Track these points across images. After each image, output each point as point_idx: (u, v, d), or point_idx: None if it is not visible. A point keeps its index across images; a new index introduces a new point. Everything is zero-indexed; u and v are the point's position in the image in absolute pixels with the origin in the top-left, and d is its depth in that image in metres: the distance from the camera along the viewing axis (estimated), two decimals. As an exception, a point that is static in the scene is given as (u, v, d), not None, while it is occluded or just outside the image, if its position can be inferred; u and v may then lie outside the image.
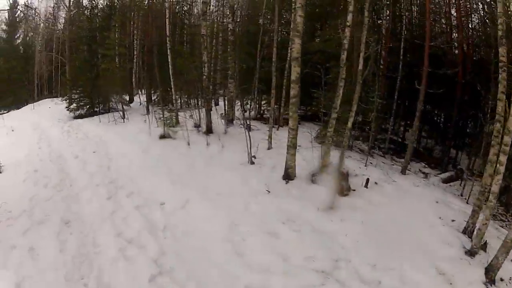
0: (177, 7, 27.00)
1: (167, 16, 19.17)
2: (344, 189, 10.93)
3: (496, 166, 8.34)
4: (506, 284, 8.07)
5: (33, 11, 37.47)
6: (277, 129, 16.88)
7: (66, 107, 24.40)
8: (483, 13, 19.68)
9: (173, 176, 12.10)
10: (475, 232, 9.05)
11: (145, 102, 23.99)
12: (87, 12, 26.28)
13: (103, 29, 23.82)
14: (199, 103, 19.94)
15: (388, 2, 18.81)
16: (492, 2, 17.80)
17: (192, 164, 13.16)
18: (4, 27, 36.06)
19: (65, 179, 12.88)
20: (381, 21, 19.37)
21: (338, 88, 11.70)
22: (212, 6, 25.51)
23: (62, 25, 38.01)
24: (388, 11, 19.02)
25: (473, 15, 20.01)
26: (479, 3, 19.60)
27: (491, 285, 7.87)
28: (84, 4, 30.17)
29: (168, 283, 7.48)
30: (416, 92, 15.37)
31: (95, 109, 24.08)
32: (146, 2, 29.07)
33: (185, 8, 28.09)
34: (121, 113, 21.61)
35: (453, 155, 18.99)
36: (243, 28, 21.25)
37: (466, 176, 15.65)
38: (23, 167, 14.59)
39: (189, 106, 22.38)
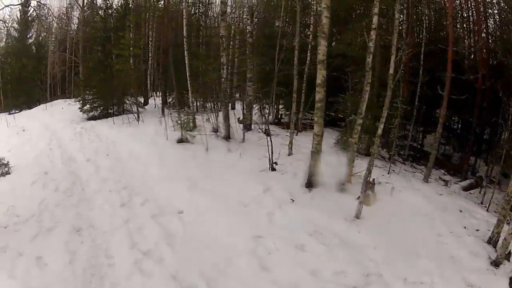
0: (193, 9, 26.39)
1: (184, 17, 18.54)
2: (371, 199, 10.41)
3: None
4: (529, 294, 7.64)
5: (46, 10, 37.27)
6: (296, 134, 16.29)
7: (79, 108, 23.72)
8: (498, 18, 19.41)
9: (191, 183, 11.35)
10: (500, 242, 8.77)
11: (160, 105, 23.49)
12: (101, 12, 25.66)
13: (117, 29, 23.22)
14: (216, 107, 19.42)
15: (407, 5, 18.11)
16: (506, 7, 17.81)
17: (211, 171, 12.41)
18: (16, 25, 35.57)
19: (76, 183, 12.25)
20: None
21: (363, 92, 11.09)
22: (228, 7, 24.82)
23: (76, 25, 37.82)
24: (407, 15, 18.35)
25: (488, 20, 19.61)
26: (495, 7, 19.42)
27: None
28: (98, 4, 29.72)
29: (189, 301, 6.77)
30: (436, 98, 15.29)
31: (109, 111, 23.43)
32: (161, 3, 28.56)
33: (201, 9, 27.45)
34: (135, 115, 20.94)
35: (472, 162, 18.61)
36: (259, 31, 20.57)
37: (485, 183, 15.39)
38: (32, 168, 14.01)
39: (205, 109, 21.82)
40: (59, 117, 24.72)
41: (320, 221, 9.33)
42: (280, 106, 20.73)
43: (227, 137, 15.47)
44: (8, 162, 13.97)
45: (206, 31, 27.20)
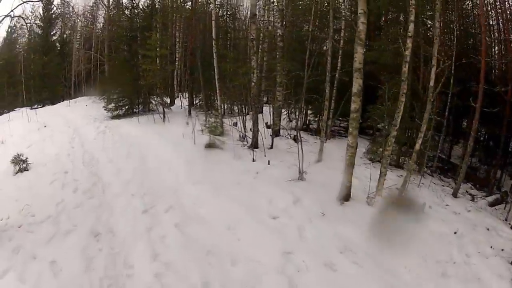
0: (221, 10, 25.98)
1: (213, 18, 18.05)
2: (403, 215, 9.78)
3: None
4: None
5: (71, 8, 37.28)
6: (325, 141, 15.54)
7: (104, 107, 23.35)
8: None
9: (218, 191, 10.71)
10: None
11: (187, 106, 23.00)
12: (127, 11, 25.34)
13: (144, 29, 22.95)
14: (244, 110, 18.98)
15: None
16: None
17: (239, 179, 11.77)
18: (39, 22, 35.33)
19: (97, 185, 11.70)
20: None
21: (399, 103, 10.66)
22: (258, 9, 24.32)
23: (101, 24, 37.74)
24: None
25: None
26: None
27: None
28: (124, 4, 29.52)
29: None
30: (464, 109, 15.32)
31: (134, 110, 23.16)
32: (188, 4, 28.25)
33: (229, 11, 27.02)
34: (161, 115, 20.47)
35: (497, 176, 17.65)
36: (289, 34, 20.02)
37: (510, 199, 14.58)
38: (52, 166, 13.65)
39: (233, 112, 21.36)
40: (82, 114, 24.39)
41: (351, 237, 8.81)
42: (309, 112, 20.21)
43: (256, 144, 14.87)
44: (26, 158, 13.64)
45: (234, 33, 26.83)
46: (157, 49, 20.55)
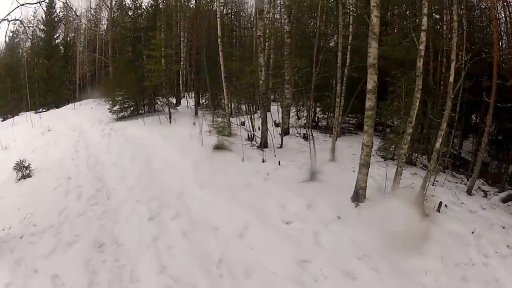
0: (226, 8, 25.53)
1: (218, 16, 17.51)
2: (421, 216, 9.32)
3: None
4: None
5: (73, 12, 36.99)
6: (336, 139, 14.91)
7: (109, 109, 22.96)
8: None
9: (228, 195, 10.18)
10: None
11: (193, 106, 22.52)
12: (131, 12, 24.91)
13: (148, 29, 22.64)
14: (252, 109, 18.54)
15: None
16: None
17: (249, 181, 11.21)
18: (42, 26, 34.98)
19: (102, 191, 11.23)
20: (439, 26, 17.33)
21: (414, 100, 10.14)
22: (265, 5, 23.85)
23: (105, 26, 37.37)
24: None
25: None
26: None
27: None
28: (127, 5, 29.20)
29: None
30: (476, 104, 14.91)
31: (140, 111, 22.77)
32: (192, 3, 27.80)
33: (234, 9, 26.55)
34: (167, 116, 20.04)
35: (510, 171, 17.07)
36: (295, 31, 19.54)
37: None
38: (56, 172, 13.27)
39: (240, 111, 20.95)
40: (87, 117, 24.08)
41: (368, 242, 8.30)
42: (317, 109, 19.63)
43: (265, 144, 14.40)
44: (29, 164, 13.37)
45: (239, 31, 26.40)
46: (162, 49, 20.24)
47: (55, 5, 34.68)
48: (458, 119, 16.66)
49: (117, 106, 22.58)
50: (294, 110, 18.95)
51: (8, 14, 10.42)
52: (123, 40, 25.68)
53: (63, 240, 8.56)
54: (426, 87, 14.10)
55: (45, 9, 33.22)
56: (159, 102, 22.44)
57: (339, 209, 9.49)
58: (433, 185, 12.26)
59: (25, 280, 7.14)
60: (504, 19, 18.04)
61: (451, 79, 9.98)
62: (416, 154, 15.08)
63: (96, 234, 8.68)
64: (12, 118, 27.10)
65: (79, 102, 31.94)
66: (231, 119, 16.55)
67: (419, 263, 7.75)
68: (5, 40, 36.23)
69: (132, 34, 23.84)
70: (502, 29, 17.65)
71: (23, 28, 33.05)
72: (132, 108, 22.72)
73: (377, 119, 16.83)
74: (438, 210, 10.32)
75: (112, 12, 32.83)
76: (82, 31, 38.23)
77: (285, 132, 16.21)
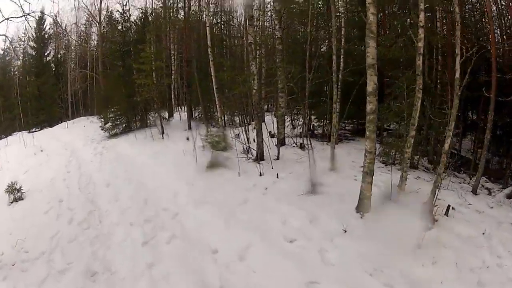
0: (215, 18, 25.07)
1: (207, 25, 17.27)
2: (430, 223, 9.02)
3: None
4: None
5: (63, 29, 36.96)
6: (334, 147, 14.39)
7: (101, 127, 22.56)
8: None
9: (225, 214, 9.59)
10: None
11: (186, 119, 21.72)
12: (120, 26, 24.43)
13: (137, 42, 22.07)
14: (246, 120, 17.93)
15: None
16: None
17: (247, 198, 10.63)
18: (32, 43, 34.81)
19: (94, 213, 10.69)
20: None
21: (415, 100, 9.88)
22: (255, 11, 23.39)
23: (95, 41, 37.06)
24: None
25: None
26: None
27: None
28: (115, 19, 28.78)
29: None
30: (474, 101, 14.62)
31: (132, 128, 22.33)
32: (182, 14, 27.24)
33: (224, 18, 26.07)
34: (159, 128, 19.54)
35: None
36: (287, 37, 19.09)
37: None
38: (47, 194, 12.87)
39: (234, 123, 20.32)
40: (80, 135, 23.81)
41: (378, 255, 7.74)
42: (312, 117, 19.03)
43: (261, 156, 13.86)
44: (21, 187, 13.01)
45: (229, 40, 25.96)
46: (152, 62, 19.76)
47: (44, 21, 34.51)
48: (457, 117, 16.27)
49: (109, 124, 22.18)
50: (288, 119, 18.53)
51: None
52: (113, 55, 25.06)
53: (55, 268, 8.16)
54: (424, 86, 13.75)
55: (31, 24, 33.30)
56: (151, 118, 21.92)
57: (344, 222, 8.93)
58: (437, 188, 11.68)
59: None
60: (496, 11, 17.72)
61: (457, 75, 9.57)
62: (417, 157, 14.67)
63: (88, 261, 8.19)
64: (5, 138, 26.69)
65: (72, 120, 31.76)
66: (225, 132, 16.09)
67: (433, 273, 7.34)
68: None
69: (122, 49, 23.32)
70: (496, 23, 17.33)
71: (14, 46, 33.04)
72: (124, 125, 22.31)
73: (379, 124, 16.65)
74: (447, 214, 9.84)
75: (102, 27, 32.40)
76: (72, 47, 37.94)
77: (281, 143, 15.72)
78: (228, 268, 7.41)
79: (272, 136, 16.65)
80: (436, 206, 9.35)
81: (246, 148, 14.83)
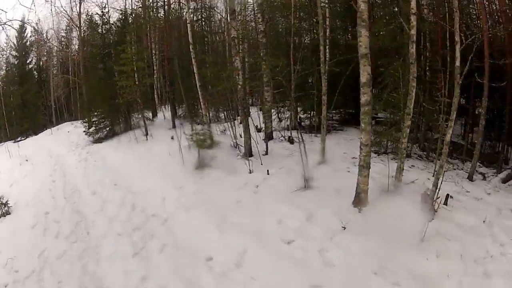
0: (195, 15, 24.54)
1: (188, 22, 16.84)
2: (431, 214, 8.61)
3: None
4: None
5: (44, 35, 36.54)
6: (325, 139, 13.95)
7: (85, 131, 22.11)
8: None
9: (217, 217, 9.06)
10: None
11: (170, 118, 21.28)
12: (99, 28, 23.84)
13: (117, 44, 21.47)
14: (231, 116, 17.75)
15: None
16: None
17: (239, 198, 10.11)
18: (14, 53, 34.41)
19: (81, 225, 10.09)
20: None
21: (410, 89, 9.51)
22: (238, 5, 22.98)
23: (76, 46, 36.42)
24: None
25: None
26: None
27: None
28: (95, 21, 28.24)
29: None
30: (465, 86, 13.23)
31: (116, 131, 21.75)
32: (162, 13, 26.89)
33: (204, 15, 25.52)
34: (143, 129, 19.07)
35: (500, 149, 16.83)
36: (270, 30, 18.66)
37: None
38: (34, 207, 12.26)
39: (219, 119, 19.80)
40: (64, 141, 23.31)
41: (381, 251, 7.37)
42: (299, 109, 18.68)
43: (250, 152, 13.39)
44: (7, 201, 12.38)
45: (211, 37, 25.47)
46: (133, 63, 19.29)
47: (25, 29, 34.30)
48: (448, 103, 16.06)
49: (93, 128, 21.70)
50: (274, 112, 18.23)
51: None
52: (94, 58, 24.56)
53: (45, 288, 7.57)
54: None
55: (10, 33, 32.51)
56: (134, 119, 21.38)
57: (342, 218, 8.53)
58: (433, 176, 11.41)
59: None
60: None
61: (458, 63, 9.19)
62: (410, 145, 14.27)
63: (79, 278, 7.69)
64: (-8, 150, 26.15)
65: (57, 126, 31.28)
66: (210, 129, 15.59)
67: (439, 266, 7.05)
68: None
69: (102, 51, 22.77)
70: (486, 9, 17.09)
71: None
72: (108, 128, 21.78)
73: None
74: (445, 203, 9.58)
75: (82, 31, 31.70)
76: (54, 53, 37.44)
77: (269, 137, 15.37)
78: (225, 277, 6.94)
79: (258, 130, 16.31)
80: (438, 198, 9.07)
81: (234, 144, 14.41)
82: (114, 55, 21.37)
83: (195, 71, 15.85)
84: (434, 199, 8.83)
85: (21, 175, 16.68)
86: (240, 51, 18.15)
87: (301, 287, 6.52)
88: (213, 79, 16.22)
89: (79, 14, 31.21)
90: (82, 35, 31.27)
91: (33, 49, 35.93)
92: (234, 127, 14.86)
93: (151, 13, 27.79)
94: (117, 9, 28.23)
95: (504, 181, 13.37)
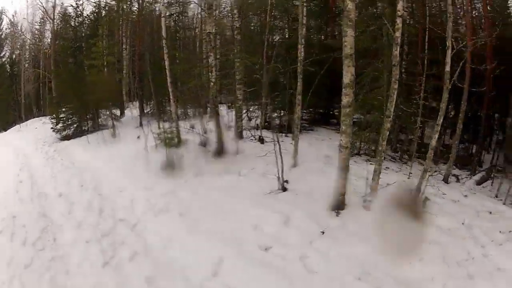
0: (169, 9, 24.00)
1: (162, 15, 16.31)
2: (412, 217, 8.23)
3: None
4: None
5: (18, 27, 35.44)
6: (298, 140, 13.79)
7: (52, 128, 21.42)
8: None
9: (189, 222, 8.63)
10: None
11: (138, 116, 20.68)
12: (73, 21, 23.18)
13: (89, 37, 21.09)
14: (201, 114, 17.07)
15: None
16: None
17: (211, 201, 9.67)
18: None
19: (48, 230, 9.38)
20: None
21: (391, 91, 9.34)
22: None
23: (49, 39, 35.32)
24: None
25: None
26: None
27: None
28: (68, 14, 27.52)
29: None
30: (438, 90, 13.62)
31: (83, 128, 21.19)
32: (136, 6, 26.07)
33: (178, 9, 24.98)
34: (111, 130, 18.41)
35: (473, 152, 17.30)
36: (245, 27, 18.35)
37: (494, 174, 14.58)
38: (1, 210, 11.32)
39: (187, 117, 19.34)
40: (32, 138, 22.64)
41: (364, 256, 7.18)
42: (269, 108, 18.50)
43: (220, 152, 13.06)
44: None
45: (183, 32, 24.97)
46: (104, 57, 18.85)
47: (2, 21, 33.95)
48: (423, 106, 16.08)
49: (60, 124, 21.10)
50: (244, 111, 17.94)
51: None
52: (65, 52, 24.25)
53: (15, 302, 7.13)
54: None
55: None
56: (102, 116, 20.82)
57: (320, 222, 8.29)
58: (408, 178, 11.94)
59: None
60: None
61: (448, 68, 9.30)
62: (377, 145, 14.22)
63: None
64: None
65: (26, 122, 30.42)
66: (179, 126, 15.19)
67: (422, 270, 6.93)
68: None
69: (74, 45, 22.55)
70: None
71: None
72: (75, 125, 21.20)
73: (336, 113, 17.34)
74: (424, 205, 9.43)
75: (55, 24, 30.90)
76: (27, 46, 36.37)
77: (239, 136, 15.19)
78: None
79: (227, 129, 15.81)
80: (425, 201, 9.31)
81: (203, 141, 14.02)
82: (86, 49, 21.10)
83: (166, 66, 15.35)
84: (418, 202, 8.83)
85: (-12, 176, 15.88)
86: (215, 47, 17.88)
87: (282, 294, 6.15)
88: (183, 75, 16.15)
89: (54, 6, 30.67)
90: (55, 28, 30.61)
91: (7, 42, 35.20)
92: (203, 122, 14.67)
93: (124, 6, 26.97)
94: (92, 1, 27.52)
95: (479, 183, 13.73)
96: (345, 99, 8.52)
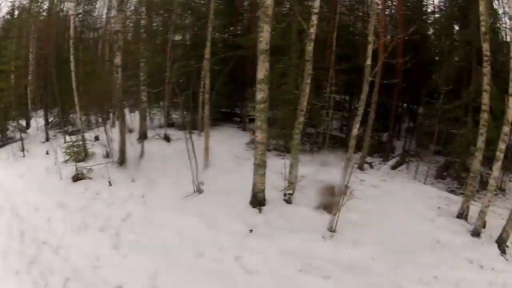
0: (77, 8, 22.85)
1: (72, 13, 15.89)
2: (333, 206, 8.61)
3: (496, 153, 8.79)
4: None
5: None
6: (200, 135, 14.47)
7: None
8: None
9: (113, 238, 8.29)
10: (470, 215, 9.71)
11: (43, 127, 19.02)
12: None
13: (1, 40, 19.25)
14: (104, 119, 16.68)
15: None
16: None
17: (128, 211, 9.43)
18: None
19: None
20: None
21: (304, 86, 9.66)
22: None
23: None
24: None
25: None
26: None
27: (505, 254, 8.31)
28: None
29: None
30: (350, 83, 15.38)
31: None
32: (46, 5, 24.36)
33: (86, 8, 23.77)
34: (20, 144, 16.52)
35: (384, 139, 18.10)
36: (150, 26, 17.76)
37: (408, 159, 15.62)
38: None
39: (90, 124, 18.63)
40: None
41: (298, 249, 7.50)
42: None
43: (122, 161, 12.68)
44: None
45: (88, 32, 23.81)
46: (12, 62, 17.47)
47: None
48: (333, 99, 16.50)
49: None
50: (147, 111, 17.49)
51: None
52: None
53: None
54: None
55: None
56: (9, 128, 18.56)
57: (246, 220, 8.51)
58: (350, 172, 11.88)
59: None
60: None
61: (368, 61, 9.46)
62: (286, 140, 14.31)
63: None
64: None
65: None
66: (84, 135, 14.51)
67: (360, 252, 7.54)
68: None
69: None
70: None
71: None
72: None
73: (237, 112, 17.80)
74: (348, 197, 9.49)
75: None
76: None
77: (144, 137, 15.01)
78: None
79: (130, 131, 15.79)
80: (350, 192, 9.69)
81: (108, 151, 13.58)
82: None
83: (72, 69, 14.82)
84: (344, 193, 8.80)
85: None
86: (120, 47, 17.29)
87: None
88: (88, 78, 15.61)
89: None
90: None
91: None
92: (107, 132, 14.17)
93: (34, 5, 25.27)
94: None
95: (394, 167, 14.69)
96: (260, 95, 8.54)
